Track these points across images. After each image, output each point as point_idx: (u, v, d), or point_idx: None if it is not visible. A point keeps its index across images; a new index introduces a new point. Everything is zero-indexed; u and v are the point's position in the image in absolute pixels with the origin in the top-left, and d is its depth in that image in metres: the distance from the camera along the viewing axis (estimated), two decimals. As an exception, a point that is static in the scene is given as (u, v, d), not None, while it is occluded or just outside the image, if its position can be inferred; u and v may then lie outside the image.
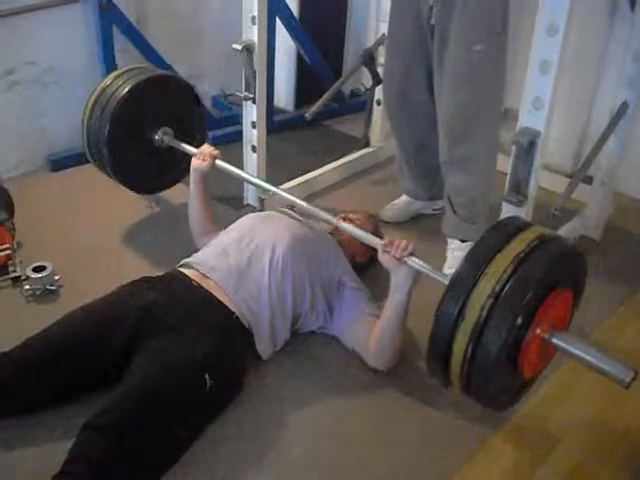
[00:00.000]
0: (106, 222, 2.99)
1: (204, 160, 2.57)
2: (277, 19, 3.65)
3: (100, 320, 2.02)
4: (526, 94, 2.10)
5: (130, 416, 1.74)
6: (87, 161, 3.40)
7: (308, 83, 4.05)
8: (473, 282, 1.61)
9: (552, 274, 1.64)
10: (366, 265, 2.53)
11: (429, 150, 2.80)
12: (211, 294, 2.13)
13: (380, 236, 2.45)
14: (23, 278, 2.51)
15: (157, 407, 1.79)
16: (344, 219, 2.52)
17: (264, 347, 2.19)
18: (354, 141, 3.71)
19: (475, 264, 1.64)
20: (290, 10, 3.75)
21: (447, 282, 1.71)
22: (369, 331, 2.18)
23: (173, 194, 3.10)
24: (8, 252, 2.58)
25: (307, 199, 3.18)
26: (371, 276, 2.50)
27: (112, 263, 2.69)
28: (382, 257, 2.08)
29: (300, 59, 4.02)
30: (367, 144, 3.68)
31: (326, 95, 3.39)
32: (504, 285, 1.58)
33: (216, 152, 2.60)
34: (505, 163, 2.30)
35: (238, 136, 3.08)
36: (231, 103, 3.98)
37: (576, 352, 1.67)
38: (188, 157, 2.66)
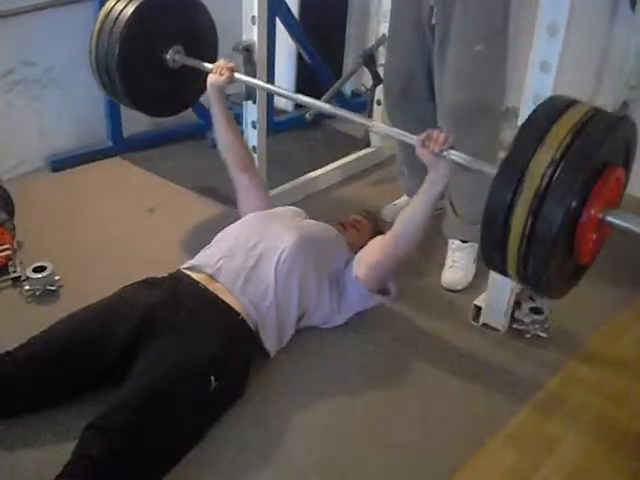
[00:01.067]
0: (106, 223, 2.99)
1: (221, 74, 2.51)
2: (277, 19, 3.65)
3: (104, 319, 2.02)
4: (527, 93, 2.10)
5: (134, 417, 1.74)
6: (88, 161, 3.45)
7: (308, 83, 4.03)
8: (531, 153, 1.54)
9: (609, 146, 1.57)
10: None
11: None
12: (217, 296, 2.12)
13: (381, 232, 2.46)
14: (23, 278, 2.50)
15: (161, 408, 1.79)
16: (343, 225, 2.53)
17: (271, 344, 2.18)
18: (355, 141, 3.72)
19: (531, 136, 1.57)
20: (290, 10, 3.74)
21: (495, 170, 1.62)
22: (377, 241, 2.25)
23: (174, 195, 3.10)
24: (8, 252, 2.58)
25: (308, 199, 3.20)
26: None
27: (112, 264, 2.68)
28: (420, 152, 2.01)
29: (300, 59, 4.01)
30: (367, 144, 3.68)
31: (326, 95, 3.39)
32: (564, 154, 1.51)
33: (232, 64, 2.54)
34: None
35: (239, 136, 3.07)
36: (232, 103, 3.97)
37: (633, 228, 1.62)
38: (202, 75, 2.60)
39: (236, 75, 2.53)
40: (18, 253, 2.62)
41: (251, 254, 2.23)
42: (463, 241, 2.72)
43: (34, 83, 3.30)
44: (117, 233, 2.91)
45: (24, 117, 3.32)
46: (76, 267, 2.62)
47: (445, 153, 1.97)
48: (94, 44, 2.63)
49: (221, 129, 2.59)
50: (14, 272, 2.54)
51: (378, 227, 2.61)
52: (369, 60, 3.34)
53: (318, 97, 3.36)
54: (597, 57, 3.21)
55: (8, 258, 2.57)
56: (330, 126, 4.05)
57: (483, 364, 2.29)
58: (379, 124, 2.23)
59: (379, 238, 2.31)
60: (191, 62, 2.70)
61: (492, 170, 1.68)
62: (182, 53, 2.72)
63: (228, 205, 3.06)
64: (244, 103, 2.91)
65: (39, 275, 2.47)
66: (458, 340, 2.39)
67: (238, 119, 3.08)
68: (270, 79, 3.38)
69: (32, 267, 2.50)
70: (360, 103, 4.02)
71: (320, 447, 1.96)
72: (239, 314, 2.10)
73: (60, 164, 3.41)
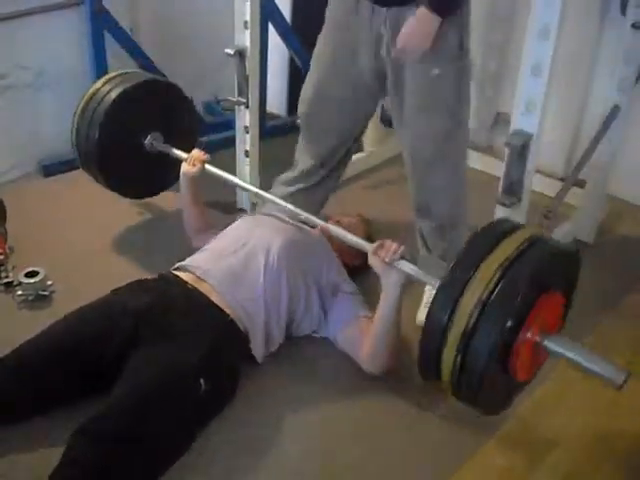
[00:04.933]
0: (99, 227, 2.99)
1: (194, 165, 2.57)
2: (269, 24, 3.65)
3: (94, 324, 2.01)
4: (519, 97, 2.10)
5: (124, 421, 1.73)
6: (79, 166, 3.44)
7: (300, 88, 4.04)
8: (461, 288, 1.59)
9: (541, 277, 1.61)
10: (359, 268, 2.52)
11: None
12: (206, 297, 2.12)
13: (372, 240, 2.45)
14: (15, 284, 2.50)
15: (151, 412, 1.78)
16: (336, 222, 2.52)
17: (258, 349, 2.18)
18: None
19: (463, 269, 1.61)
20: (282, 15, 3.75)
21: (436, 288, 1.68)
22: (362, 334, 2.17)
23: (165, 199, 3.09)
24: (0, 257, 2.58)
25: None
26: (365, 279, 2.50)
27: (105, 268, 2.68)
28: (372, 260, 2.06)
29: (292, 64, 4.02)
30: (360, 149, 3.68)
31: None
32: (492, 291, 1.55)
33: (205, 157, 2.60)
34: (498, 167, 2.30)
35: (231, 141, 3.08)
36: (224, 108, 3.98)
37: (568, 355, 1.65)
38: (179, 161, 2.65)
39: (207, 167, 2.59)
40: (10, 258, 2.62)
41: (240, 255, 2.24)
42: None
43: (27, 87, 3.30)
44: (109, 238, 2.91)
45: (16, 121, 3.32)
46: (69, 272, 2.62)
47: (396, 263, 2.01)
48: (76, 123, 2.67)
49: (188, 214, 2.64)
50: (6, 277, 2.53)
51: (369, 233, 2.61)
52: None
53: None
54: (588, 61, 3.23)
55: (0, 263, 2.57)
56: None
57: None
58: (332, 228, 2.31)
59: (365, 331, 2.18)
60: (167, 150, 2.75)
61: (436, 283, 1.74)
62: (160, 139, 2.78)
63: (218, 210, 3.08)
64: (237, 108, 2.91)
65: (31, 280, 2.46)
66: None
67: (231, 124, 3.09)
68: (262, 84, 3.39)
69: (24, 272, 2.49)
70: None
71: (314, 450, 1.97)
72: (228, 315, 2.10)
73: (52, 169, 3.41)
